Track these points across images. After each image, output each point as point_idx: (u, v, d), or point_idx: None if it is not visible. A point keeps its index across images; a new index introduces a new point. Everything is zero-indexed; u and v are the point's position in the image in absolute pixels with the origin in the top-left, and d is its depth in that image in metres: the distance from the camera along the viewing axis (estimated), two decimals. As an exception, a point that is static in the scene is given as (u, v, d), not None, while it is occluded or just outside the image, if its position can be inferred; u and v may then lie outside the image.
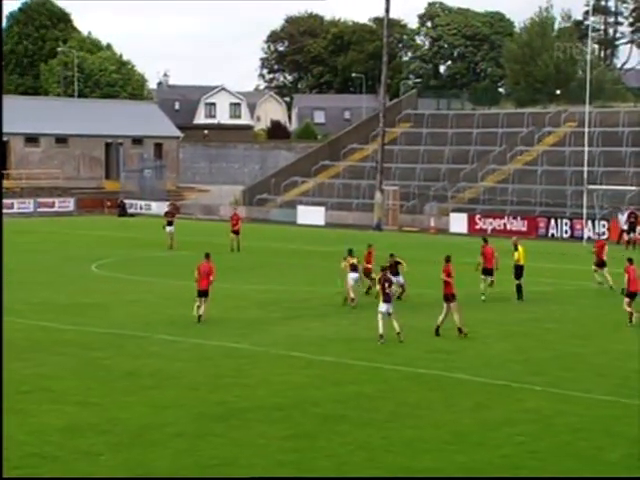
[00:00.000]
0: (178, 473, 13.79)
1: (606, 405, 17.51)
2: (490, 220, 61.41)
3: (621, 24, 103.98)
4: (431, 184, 67.71)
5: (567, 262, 42.81)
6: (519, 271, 30.57)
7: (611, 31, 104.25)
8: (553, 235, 57.75)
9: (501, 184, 65.78)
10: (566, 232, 57.61)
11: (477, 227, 61.40)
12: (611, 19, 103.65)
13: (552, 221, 58.95)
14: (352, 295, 28.40)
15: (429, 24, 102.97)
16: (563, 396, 18.11)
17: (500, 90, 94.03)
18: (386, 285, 23.47)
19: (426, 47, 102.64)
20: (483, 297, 29.85)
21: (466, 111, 77.18)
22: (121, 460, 14.22)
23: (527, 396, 18.12)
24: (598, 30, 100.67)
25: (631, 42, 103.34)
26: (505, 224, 60.21)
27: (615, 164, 62.42)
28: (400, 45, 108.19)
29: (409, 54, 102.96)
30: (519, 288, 30.41)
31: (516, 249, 31.06)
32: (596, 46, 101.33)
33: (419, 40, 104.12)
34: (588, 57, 64.56)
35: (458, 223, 62.17)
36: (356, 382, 19.17)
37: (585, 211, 55.94)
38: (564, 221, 58.54)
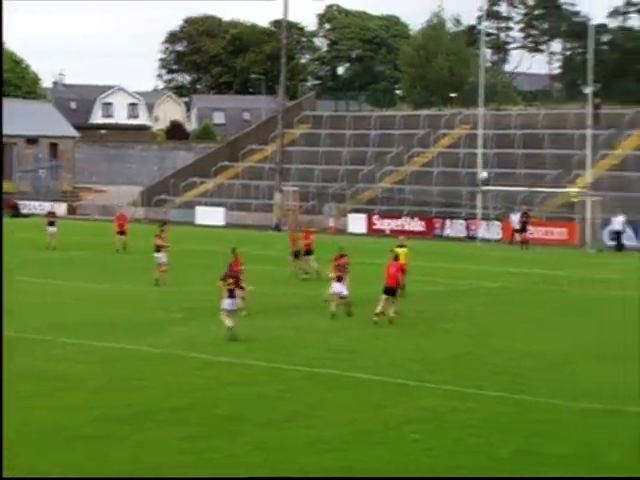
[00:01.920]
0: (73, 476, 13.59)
1: (498, 402, 17.87)
2: (388, 220, 62.12)
3: (512, 29, 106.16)
4: (330, 185, 68.13)
5: (462, 262, 43.49)
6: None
7: (503, 36, 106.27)
8: (449, 235, 58.72)
9: (398, 185, 66.57)
10: (461, 232, 58.63)
11: (375, 227, 62.07)
12: (503, 24, 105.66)
13: (448, 221, 59.94)
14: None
15: (327, 26, 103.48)
16: (458, 394, 18.41)
17: (397, 92, 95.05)
18: (230, 281, 23.58)
19: (324, 49, 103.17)
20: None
21: (364, 113, 77.89)
22: (16, 463, 13.93)
23: (424, 394, 18.37)
24: (491, 35, 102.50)
25: (522, 47, 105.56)
26: (403, 224, 60.97)
27: (508, 165, 63.74)
28: (299, 47, 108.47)
29: (308, 56, 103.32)
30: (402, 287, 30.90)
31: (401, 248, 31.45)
32: (489, 50, 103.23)
33: (317, 42, 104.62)
34: (481, 61, 65.75)
35: (357, 223, 62.76)
36: (255, 383, 19.17)
37: (479, 211, 57.02)
38: (459, 221, 59.57)
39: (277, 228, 62.16)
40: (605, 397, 18.15)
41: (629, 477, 13.71)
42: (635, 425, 16.32)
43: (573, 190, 56.85)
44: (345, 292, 26.88)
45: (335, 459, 14.42)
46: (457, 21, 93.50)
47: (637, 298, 31.82)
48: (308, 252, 36.05)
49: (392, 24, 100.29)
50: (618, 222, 52.24)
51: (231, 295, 23.65)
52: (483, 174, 57.08)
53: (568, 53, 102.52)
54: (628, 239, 53.11)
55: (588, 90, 59.49)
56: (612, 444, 15.23)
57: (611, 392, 18.64)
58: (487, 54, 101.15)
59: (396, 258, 27.21)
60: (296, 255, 36.29)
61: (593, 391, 18.68)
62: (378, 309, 26.04)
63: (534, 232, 54.61)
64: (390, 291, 25.96)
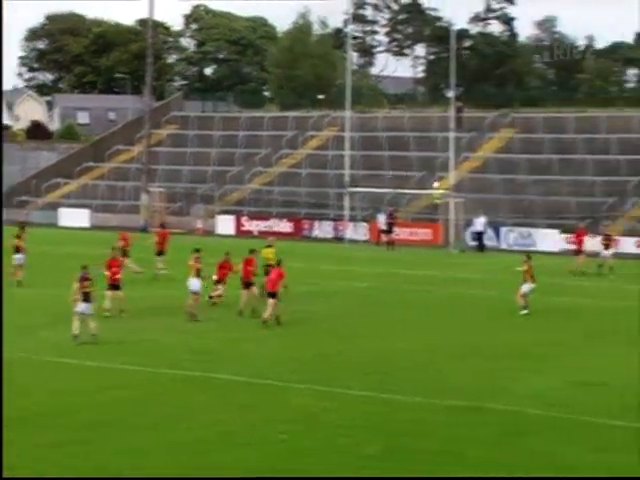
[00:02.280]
0: None
1: (366, 401, 18.06)
2: (257, 222, 62.09)
3: (378, 33, 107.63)
4: (198, 186, 67.67)
5: (330, 263, 43.80)
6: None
7: (369, 39, 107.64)
8: (317, 236, 59.07)
9: (267, 186, 66.62)
10: (329, 233, 59.08)
11: (244, 229, 61.95)
12: (368, 28, 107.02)
13: (316, 223, 60.32)
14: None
15: (194, 27, 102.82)
16: (326, 393, 18.52)
17: (265, 94, 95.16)
18: (85, 284, 23.25)
19: (191, 50, 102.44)
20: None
21: (232, 114, 77.68)
22: None
23: (291, 394, 18.41)
24: (357, 38, 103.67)
25: (387, 50, 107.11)
26: (271, 226, 61.03)
27: (374, 167, 64.56)
28: (166, 47, 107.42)
29: (175, 56, 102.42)
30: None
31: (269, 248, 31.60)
32: (355, 54, 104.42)
33: (184, 43, 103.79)
34: (348, 64, 66.42)
35: (225, 225, 62.52)
36: (123, 386, 18.87)
37: (347, 213, 57.59)
38: (327, 223, 60.02)
39: (144, 229, 61.36)
40: (467, 394, 18.55)
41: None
42: (493, 421, 16.74)
43: (437, 191, 58.01)
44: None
45: (201, 461, 14.32)
46: (323, 24, 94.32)
47: (498, 298, 32.69)
48: (160, 253, 36.98)
49: (259, 25, 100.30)
50: (480, 223, 53.53)
51: (86, 299, 23.21)
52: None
53: (431, 57, 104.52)
54: (489, 240, 54.49)
55: (451, 94, 60.79)
56: (473, 439, 15.59)
57: (472, 389, 19.07)
58: (353, 57, 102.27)
59: (250, 255, 28.15)
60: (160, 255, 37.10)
61: (456, 389, 19.07)
62: (266, 315, 26.03)
63: (400, 233, 55.46)
64: (272, 295, 26.06)
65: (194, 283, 27.06)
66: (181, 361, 21.31)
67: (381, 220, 55.36)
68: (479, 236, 53.44)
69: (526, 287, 29.00)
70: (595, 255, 41.25)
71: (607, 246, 41.32)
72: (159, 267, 36.86)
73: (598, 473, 14.10)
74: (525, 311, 28.73)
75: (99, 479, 13.67)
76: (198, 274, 27.20)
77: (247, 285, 28.01)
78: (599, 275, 39.59)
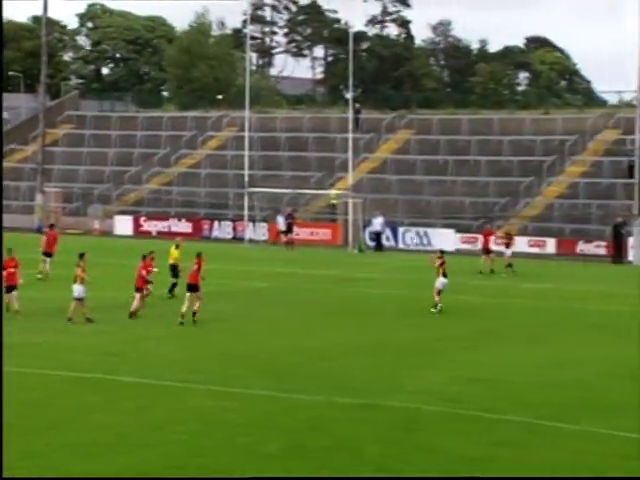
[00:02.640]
0: None
1: (265, 400, 18.10)
2: (155, 222, 61.55)
3: (277, 34, 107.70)
4: (95, 186, 66.76)
5: (230, 263, 43.70)
6: (175, 270, 31.34)
7: (268, 40, 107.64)
8: (217, 237, 58.85)
9: (166, 186, 66.09)
10: (229, 233, 58.93)
11: (142, 229, 61.37)
12: (267, 29, 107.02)
13: (215, 223, 60.10)
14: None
15: (90, 25, 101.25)
16: (225, 393, 18.51)
17: (164, 94, 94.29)
18: None
19: (88, 48, 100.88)
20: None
21: (130, 114, 76.80)
22: None
23: (190, 395, 18.35)
24: (256, 39, 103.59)
25: (286, 51, 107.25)
26: (170, 226, 60.61)
27: (273, 168, 64.64)
28: (61, 45, 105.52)
29: (70, 54, 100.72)
30: (174, 286, 31.23)
31: (177, 248, 31.93)
32: (254, 54, 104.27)
33: (80, 41, 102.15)
34: (247, 65, 66.35)
35: (123, 225, 61.83)
36: (19, 389, 18.52)
37: (246, 213, 57.53)
38: (227, 223, 59.87)
39: (39, 230, 60.20)
40: (364, 392, 18.76)
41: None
42: (390, 417, 16.96)
43: (333, 192, 58.51)
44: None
45: (98, 463, 14.18)
46: (222, 24, 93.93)
47: (395, 296, 33.12)
48: (47, 254, 36.45)
49: (158, 25, 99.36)
50: (378, 223, 54.11)
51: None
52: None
53: (330, 59, 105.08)
54: (387, 240, 55.11)
55: (349, 95, 61.26)
56: (370, 436, 15.77)
57: (370, 387, 19.29)
58: (252, 58, 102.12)
59: (144, 257, 28.44)
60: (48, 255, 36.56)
61: (354, 386, 19.26)
62: (183, 308, 26.32)
63: (299, 233, 55.67)
64: (193, 287, 26.54)
65: (77, 289, 26.64)
66: (80, 363, 21.03)
67: (280, 221, 55.42)
68: (377, 236, 54.01)
69: (440, 283, 29.37)
70: (499, 254, 42.06)
71: (508, 245, 42.32)
72: (42, 268, 35.93)
73: (493, 467, 14.41)
74: (435, 309, 29.05)
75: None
76: (82, 280, 26.78)
77: (138, 290, 27.79)
78: (507, 274, 40.27)
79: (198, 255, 27.41)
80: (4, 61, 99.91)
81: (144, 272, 27.99)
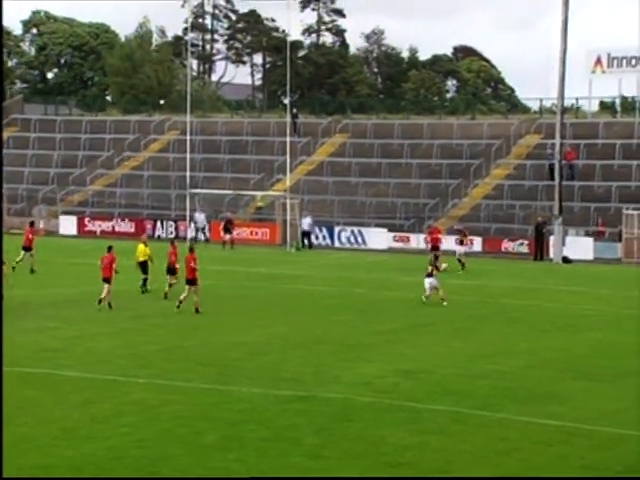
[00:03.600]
0: None
1: (205, 393, 17.99)
2: (99, 222, 60.96)
3: (217, 41, 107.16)
4: (40, 187, 65.92)
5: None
6: (145, 266, 32.25)
7: (208, 47, 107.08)
8: (160, 236, 58.39)
9: (110, 188, 65.47)
10: (171, 233, 58.52)
11: (87, 229, 60.77)
12: (208, 36, 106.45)
13: (158, 223, 59.65)
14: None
15: (34, 31, 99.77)
16: (167, 387, 18.37)
17: (108, 98, 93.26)
18: None
19: (32, 54, 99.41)
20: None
21: (74, 117, 75.93)
22: None
23: (133, 389, 18.18)
24: (197, 46, 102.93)
25: (226, 58, 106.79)
26: (114, 226, 60.08)
27: (214, 170, 64.38)
28: (6, 51, 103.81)
29: (15, 60, 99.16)
30: (145, 282, 32.16)
31: (146, 246, 32.65)
32: (195, 61, 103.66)
33: (25, 47, 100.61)
34: (188, 71, 66.04)
35: (68, 225, 61.17)
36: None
37: (188, 213, 57.21)
38: (169, 223, 59.46)
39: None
40: (301, 384, 18.74)
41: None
42: (325, 409, 16.96)
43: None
44: None
45: (42, 456, 13.98)
46: (162, 32, 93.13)
47: (330, 293, 33.21)
48: None
49: (102, 32, 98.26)
50: (306, 223, 54.26)
51: None
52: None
53: (268, 66, 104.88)
54: (323, 238, 55.27)
55: (287, 101, 61.24)
56: (307, 427, 15.76)
57: (306, 379, 19.29)
58: (193, 64, 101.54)
59: (110, 250, 29.07)
60: None
61: (291, 379, 19.24)
62: (182, 297, 27.61)
63: (240, 232, 55.53)
64: (191, 281, 27.80)
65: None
66: (25, 359, 20.69)
67: (198, 219, 55.96)
68: (306, 235, 54.17)
69: (433, 281, 30.50)
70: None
71: (462, 242, 42.50)
72: None
73: (424, 455, 14.50)
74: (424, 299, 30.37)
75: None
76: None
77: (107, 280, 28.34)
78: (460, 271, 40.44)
79: (191, 249, 28.77)
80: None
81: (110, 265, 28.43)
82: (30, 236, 38.38)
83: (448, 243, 44.88)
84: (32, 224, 41.52)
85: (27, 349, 21.96)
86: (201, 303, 27.84)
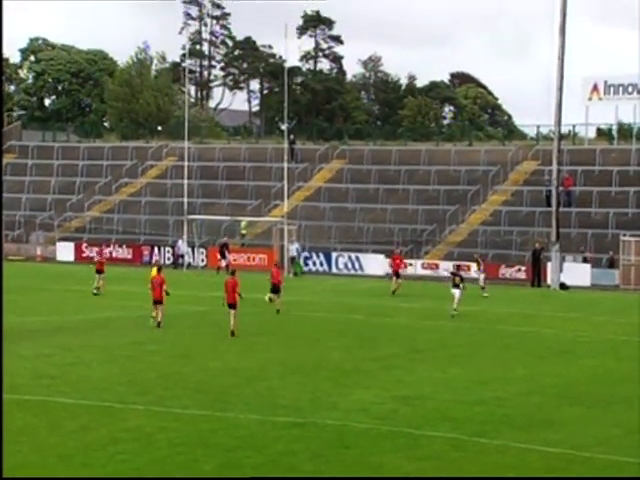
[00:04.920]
0: None
1: (202, 419, 17.96)
2: (96, 248, 60.88)
3: (214, 67, 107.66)
4: (38, 214, 65.97)
5: (171, 288, 43.30)
6: None
7: (206, 74, 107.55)
8: (158, 264, 58.29)
9: (107, 214, 65.55)
10: (169, 259, 58.52)
11: (84, 255, 60.72)
12: (205, 62, 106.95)
13: (156, 249, 59.66)
14: None
15: (32, 58, 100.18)
16: (164, 413, 18.33)
17: (105, 124, 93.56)
18: None
19: (30, 81, 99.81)
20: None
21: (72, 144, 76.14)
22: None
23: (130, 415, 18.13)
24: (194, 72, 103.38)
25: (224, 84, 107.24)
26: (111, 252, 60.03)
27: (212, 196, 64.49)
28: (4, 77, 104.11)
29: (13, 86, 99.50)
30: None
31: (159, 271, 32.76)
32: (193, 87, 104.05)
33: (22, 74, 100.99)
34: (186, 97, 66.32)
35: (65, 251, 61.14)
36: (-41, 413, 18.13)
37: (186, 239, 57.25)
38: (167, 249, 59.48)
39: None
40: (298, 410, 18.71)
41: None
42: (323, 435, 16.93)
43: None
44: None
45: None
46: (162, 58, 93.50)
47: (328, 318, 33.18)
48: None
49: (100, 58, 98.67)
50: (293, 249, 54.42)
51: None
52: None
53: (266, 92, 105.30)
54: (320, 264, 55.33)
55: (284, 127, 61.47)
56: (305, 453, 15.73)
57: (303, 405, 19.25)
58: (191, 90, 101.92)
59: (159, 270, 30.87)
60: None
61: (288, 405, 19.20)
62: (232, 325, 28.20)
63: (237, 258, 55.52)
64: (232, 305, 28.57)
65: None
66: (21, 386, 20.65)
67: (181, 247, 56.62)
68: (292, 261, 54.30)
69: (457, 293, 33.83)
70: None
71: (478, 267, 43.35)
72: None
73: (419, 480, 14.47)
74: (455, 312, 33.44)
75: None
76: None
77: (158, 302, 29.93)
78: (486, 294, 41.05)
79: (232, 273, 30.22)
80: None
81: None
82: (101, 259, 40.81)
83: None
84: (101, 246, 43.39)
85: (23, 376, 21.91)
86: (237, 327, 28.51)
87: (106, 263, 41.31)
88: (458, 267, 39.08)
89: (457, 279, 34.64)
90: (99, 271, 39.59)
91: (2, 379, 15.06)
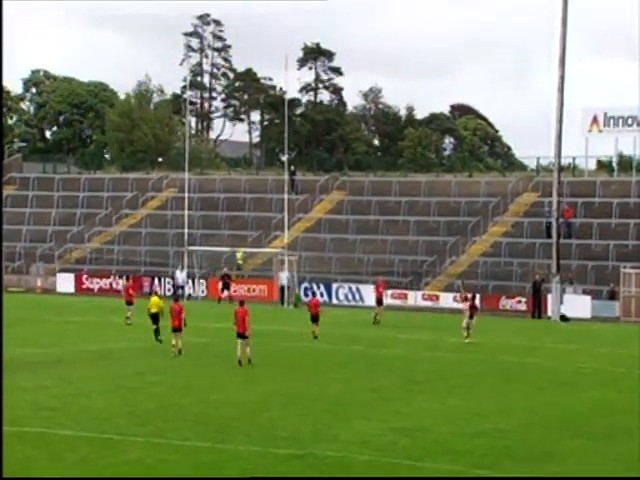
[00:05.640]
0: None
1: (203, 451, 17.96)
2: (97, 280, 61.05)
3: (215, 99, 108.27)
4: (38, 245, 66.11)
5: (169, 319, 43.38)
6: (156, 318, 33.74)
7: (206, 105, 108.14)
8: (157, 292, 58.37)
9: (107, 245, 65.72)
10: (169, 290, 58.58)
11: (84, 286, 60.83)
12: (206, 94, 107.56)
13: (156, 280, 59.75)
14: None
15: (34, 90, 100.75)
16: (164, 445, 18.33)
17: (106, 156, 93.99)
18: None
19: (31, 112, 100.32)
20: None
21: (72, 175, 76.46)
22: None
23: (130, 447, 18.13)
24: (195, 104, 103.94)
25: (224, 116, 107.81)
26: (111, 283, 60.14)
27: (212, 227, 64.67)
28: (5, 109, 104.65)
29: (14, 118, 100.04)
30: (157, 331, 33.39)
31: (160, 298, 34.44)
32: (193, 119, 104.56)
33: (24, 106, 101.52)
34: (187, 129, 66.74)
35: (65, 283, 61.23)
36: (-41, 445, 18.14)
37: (186, 270, 57.34)
38: (167, 279, 59.57)
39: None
40: (299, 442, 18.71)
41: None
42: (324, 467, 16.91)
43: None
44: None
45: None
46: (161, 91, 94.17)
47: (328, 350, 33.20)
48: None
49: (100, 90, 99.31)
50: (284, 277, 54.47)
51: None
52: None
53: (266, 123, 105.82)
54: (320, 295, 55.32)
55: (285, 158, 61.81)
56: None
57: (304, 437, 19.26)
58: (192, 122, 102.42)
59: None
60: None
61: (288, 437, 19.21)
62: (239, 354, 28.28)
63: (237, 289, 55.62)
64: (242, 335, 28.57)
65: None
66: (21, 418, 20.66)
67: (178, 277, 56.22)
68: (283, 290, 54.36)
69: (467, 320, 35.06)
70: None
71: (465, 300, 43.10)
72: None
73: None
74: (468, 339, 34.66)
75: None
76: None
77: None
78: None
79: (241, 303, 29.56)
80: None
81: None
82: (130, 291, 41.73)
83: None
84: (128, 279, 45.87)
85: (23, 408, 21.92)
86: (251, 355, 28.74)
87: (135, 295, 42.11)
88: (474, 296, 38.27)
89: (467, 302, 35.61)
90: (129, 302, 40.43)
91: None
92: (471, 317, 35.47)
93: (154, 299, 34.30)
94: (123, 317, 40.50)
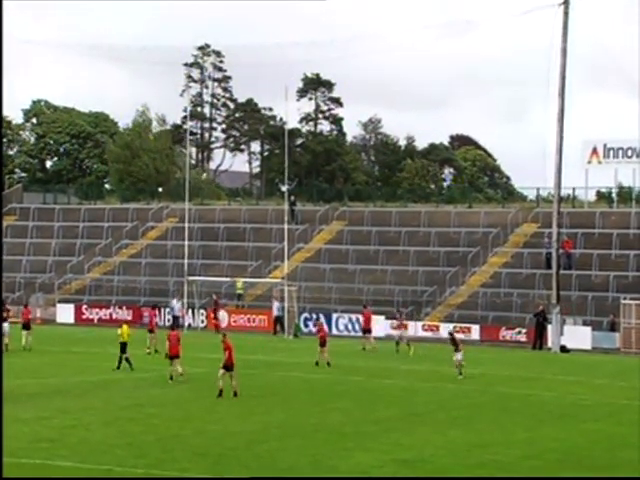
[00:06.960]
0: None
1: (202, 482, 17.96)
2: (97, 310, 61.06)
3: (215, 129, 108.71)
4: (38, 275, 66.16)
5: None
6: (124, 347, 33.96)
7: (207, 135, 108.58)
8: (157, 323, 58.35)
9: (107, 275, 65.77)
10: (169, 320, 58.53)
11: (84, 317, 60.84)
12: (206, 124, 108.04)
13: (156, 310, 59.68)
14: None
15: (34, 120, 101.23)
16: (164, 477, 18.31)
17: (106, 186, 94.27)
18: None
19: (32, 143, 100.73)
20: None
21: (72, 205, 76.66)
22: None
23: (130, 479, 18.12)
24: (195, 134, 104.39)
25: (224, 146, 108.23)
26: (111, 314, 60.17)
27: (212, 257, 64.76)
28: (6, 140, 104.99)
29: (15, 148, 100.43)
30: (127, 360, 33.68)
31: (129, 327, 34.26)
32: (194, 149, 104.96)
33: (24, 136, 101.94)
34: (187, 159, 67.02)
35: (65, 313, 61.23)
36: (-43, 476, 18.12)
37: (186, 300, 57.35)
38: (167, 310, 59.54)
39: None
40: (297, 474, 18.69)
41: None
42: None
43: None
44: None
45: None
46: (162, 121, 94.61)
47: (327, 380, 33.17)
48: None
49: (100, 120, 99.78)
50: (276, 307, 54.69)
51: None
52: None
53: (266, 153, 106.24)
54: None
55: (285, 188, 62.03)
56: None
57: (302, 469, 19.23)
58: (192, 152, 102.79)
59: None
60: None
61: (287, 468, 19.18)
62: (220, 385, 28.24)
63: (237, 320, 55.64)
64: (228, 367, 28.63)
65: None
66: (19, 449, 20.63)
67: (175, 307, 56.06)
68: (278, 320, 54.49)
69: (459, 355, 34.40)
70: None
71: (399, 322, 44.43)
72: None
73: None
74: (460, 376, 33.84)
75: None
76: None
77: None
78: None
79: (224, 335, 29.63)
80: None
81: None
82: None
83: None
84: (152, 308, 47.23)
85: (22, 439, 21.89)
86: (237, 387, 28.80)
87: (156, 325, 43.47)
88: (453, 331, 39.82)
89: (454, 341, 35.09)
90: (151, 331, 41.81)
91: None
92: (456, 351, 35.31)
93: (124, 328, 34.55)
94: (147, 345, 41.52)
